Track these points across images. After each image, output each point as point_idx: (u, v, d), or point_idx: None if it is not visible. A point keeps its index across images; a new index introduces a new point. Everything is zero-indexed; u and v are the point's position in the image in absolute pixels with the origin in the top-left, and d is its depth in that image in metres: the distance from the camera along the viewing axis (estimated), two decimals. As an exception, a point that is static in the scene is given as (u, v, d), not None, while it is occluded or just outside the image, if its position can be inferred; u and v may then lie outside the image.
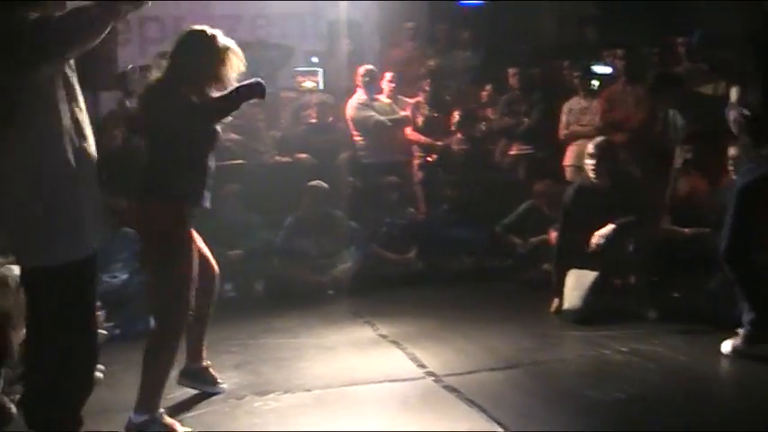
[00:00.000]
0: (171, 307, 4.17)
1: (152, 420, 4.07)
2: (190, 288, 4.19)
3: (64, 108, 3.47)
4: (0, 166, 3.44)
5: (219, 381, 4.85)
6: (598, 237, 6.36)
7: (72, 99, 3.53)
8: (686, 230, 6.53)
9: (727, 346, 5.10)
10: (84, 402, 3.68)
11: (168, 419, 4.15)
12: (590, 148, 6.54)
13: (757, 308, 5.00)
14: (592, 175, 6.51)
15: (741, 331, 5.08)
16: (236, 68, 4.28)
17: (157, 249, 4.19)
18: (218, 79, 4.24)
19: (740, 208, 4.98)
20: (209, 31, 4.28)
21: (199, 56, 4.22)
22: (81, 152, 3.52)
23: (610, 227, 6.35)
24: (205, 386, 4.79)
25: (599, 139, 6.71)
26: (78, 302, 3.54)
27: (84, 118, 3.59)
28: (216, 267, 4.66)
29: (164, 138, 4.16)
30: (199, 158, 4.24)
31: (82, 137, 3.55)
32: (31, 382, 3.71)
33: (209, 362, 4.85)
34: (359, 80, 9.01)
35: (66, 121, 3.47)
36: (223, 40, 4.28)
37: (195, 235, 4.41)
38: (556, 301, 6.48)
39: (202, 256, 4.50)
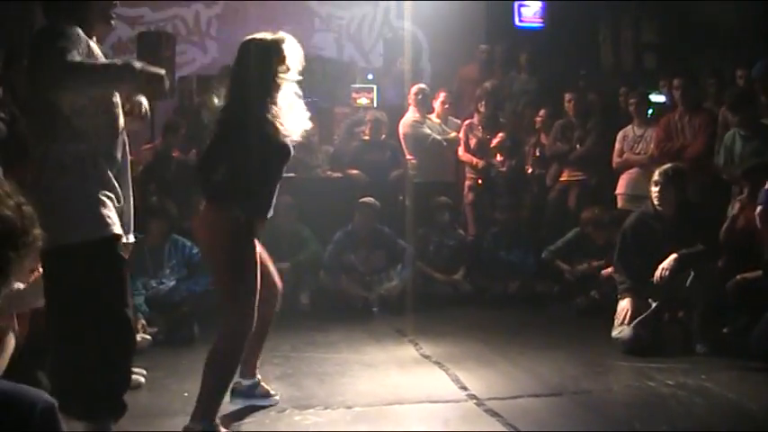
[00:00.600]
0: (236, 318, 4.15)
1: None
2: (255, 300, 4.16)
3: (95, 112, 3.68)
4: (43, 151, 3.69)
5: (272, 392, 4.82)
6: (662, 270, 6.20)
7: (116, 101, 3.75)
8: (738, 277, 6.35)
9: None
10: (123, 385, 3.74)
11: (223, 430, 4.14)
12: (655, 175, 6.40)
13: None
14: (656, 202, 6.35)
15: None
16: (296, 68, 4.28)
17: (224, 261, 4.17)
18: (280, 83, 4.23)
19: None
20: (269, 37, 4.26)
21: (259, 65, 4.20)
22: (105, 149, 3.74)
23: (673, 257, 6.18)
24: (258, 400, 4.75)
25: (666, 165, 6.52)
26: (98, 282, 3.62)
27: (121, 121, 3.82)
28: (279, 283, 4.65)
29: (237, 151, 4.14)
30: (271, 173, 4.25)
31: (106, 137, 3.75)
32: (57, 364, 3.79)
33: (259, 376, 4.81)
34: (412, 98, 9.01)
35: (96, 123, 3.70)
36: (287, 46, 4.25)
37: (260, 248, 4.34)
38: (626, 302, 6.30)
39: (266, 270, 4.43)
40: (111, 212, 3.71)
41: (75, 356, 3.67)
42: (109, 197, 3.73)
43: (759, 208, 5.07)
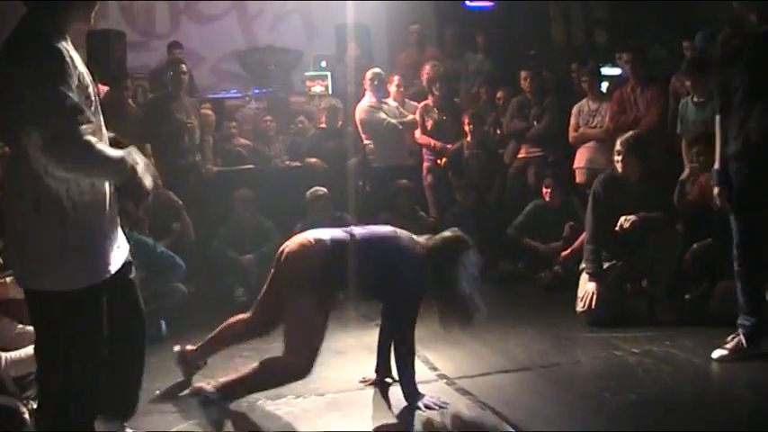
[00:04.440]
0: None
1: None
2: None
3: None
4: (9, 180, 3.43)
5: None
6: (624, 220, 6.21)
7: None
8: (694, 246, 6.45)
9: (719, 353, 5.13)
10: (86, 420, 3.70)
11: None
12: (617, 144, 6.43)
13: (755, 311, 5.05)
14: (620, 170, 6.37)
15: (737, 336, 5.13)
16: None
17: None
18: None
19: None
20: None
21: None
22: (88, 181, 3.43)
23: (634, 216, 6.21)
24: None
25: (627, 134, 6.54)
26: (73, 329, 3.48)
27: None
28: None
29: None
30: None
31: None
32: (41, 399, 3.74)
33: None
34: (367, 84, 9.00)
35: None
36: None
37: None
38: (592, 286, 6.27)
39: None
40: (102, 252, 3.52)
41: (46, 387, 3.62)
42: (98, 231, 3.50)
43: (716, 189, 5.19)
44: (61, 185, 3.31)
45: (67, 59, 3.24)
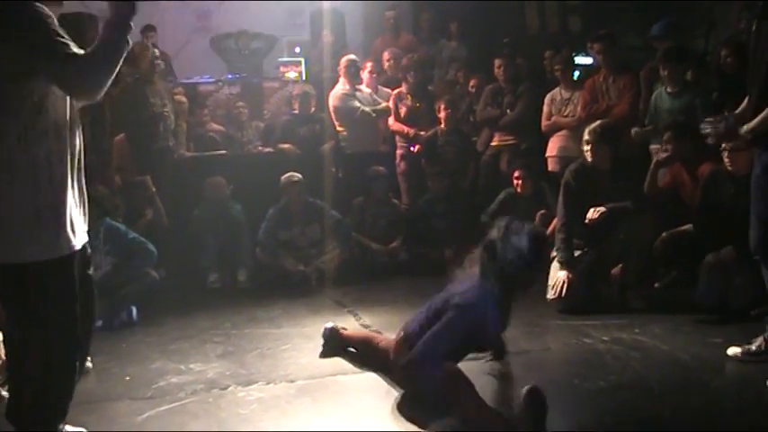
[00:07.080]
0: None
1: None
2: None
3: (51, 107, 3.48)
4: None
5: None
6: (594, 211, 6.30)
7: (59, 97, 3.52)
8: (664, 234, 6.46)
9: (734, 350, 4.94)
10: (66, 399, 3.68)
11: None
12: (585, 134, 6.47)
13: None
14: (590, 160, 6.42)
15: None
16: None
17: None
18: None
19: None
20: None
21: None
22: (62, 152, 3.50)
23: (602, 208, 6.29)
24: None
25: (594, 124, 6.56)
26: (51, 301, 3.50)
27: (74, 116, 3.59)
28: None
29: None
30: None
31: (63, 137, 3.52)
32: (13, 381, 3.71)
33: None
34: (342, 70, 8.98)
35: (51, 120, 3.46)
36: None
37: None
38: (563, 274, 6.32)
39: None
40: (72, 224, 3.54)
41: (24, 371, 3.60)
42: (69, 203, 3.53)
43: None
44: (38, 154, 3.39)
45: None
